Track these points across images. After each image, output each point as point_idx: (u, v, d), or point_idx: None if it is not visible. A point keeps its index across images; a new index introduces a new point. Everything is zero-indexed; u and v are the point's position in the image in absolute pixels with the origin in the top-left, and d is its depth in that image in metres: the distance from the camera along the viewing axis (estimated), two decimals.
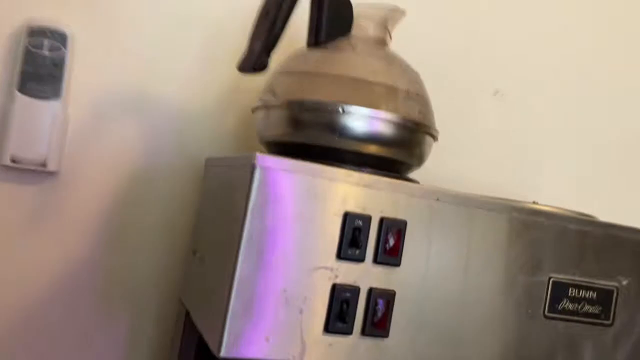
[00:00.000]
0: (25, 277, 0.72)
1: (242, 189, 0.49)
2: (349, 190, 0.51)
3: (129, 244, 0.76)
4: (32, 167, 0.69)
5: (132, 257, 0.76)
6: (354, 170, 0.52)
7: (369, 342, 0.51)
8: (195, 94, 0.78)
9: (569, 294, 0.57)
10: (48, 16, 0.71)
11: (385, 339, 0.52)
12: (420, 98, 0.60)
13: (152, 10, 0.76)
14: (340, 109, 0.54)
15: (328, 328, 0.50)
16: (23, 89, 0.68)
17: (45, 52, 0.69)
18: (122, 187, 0.75)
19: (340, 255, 0.50)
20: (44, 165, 0.69)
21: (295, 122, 0.57)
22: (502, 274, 0.55)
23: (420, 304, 0.53)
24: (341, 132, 0.56)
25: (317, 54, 0.58)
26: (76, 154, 0.73)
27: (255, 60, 0.52)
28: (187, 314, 0.67)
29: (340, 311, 0.50)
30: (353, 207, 0.51)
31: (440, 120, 0.64)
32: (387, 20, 0.63)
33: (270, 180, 0.48)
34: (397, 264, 0.52)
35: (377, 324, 0.51)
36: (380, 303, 0.52)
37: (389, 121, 0.57)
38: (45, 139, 0.69)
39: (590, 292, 0.58)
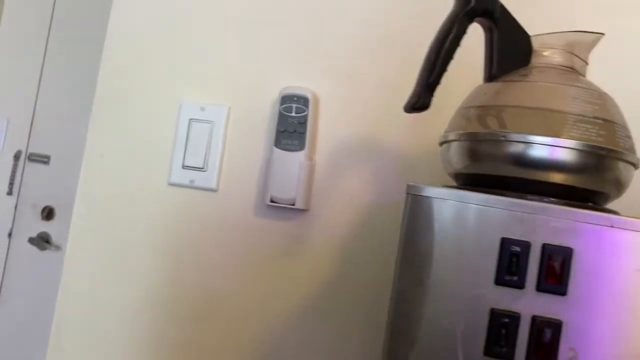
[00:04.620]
0: (281, 297, 0.89)
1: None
2: (504, 216, 0.52)
3: (364, 273, 0.87)
4: (286, 206, 0.86)
5: (369, 283, 0.86)
6: (535, 200, 0.53)
7: None
8: (418, 137, 0.86)
9: None
10: (302, 84, 0.89)
11: None
12: (608, 123, 0.56)
13: (380, 70, 0.88)
14: (502, 137, 0.56)
15: (488, 351, 0.51)
16: (278, 144, 0.87)
17: (293, 114, 0.86)
18: (358, 222, 0.87)
19: (498, 281, 0.52)
20: (293, 203, 0.86)
21: (469, 154, 0.60)
22: None
23: (589, 336, 0.49)
24: (510, 161, 0.57)
25: (490, 87, 0.61)
26: (322, 194, 0.89)
27: (415, 100, 0.58)
28: None
29: (498, 337, 0.51)
30: (510, 234, 0.52)
31: None
32: (574, 46, 0.61)
33: (422, 207, 0.54)
34: (562, 292, 0.50)
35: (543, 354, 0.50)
36: (546, 332, 0.50)
37: (566, 148, 0.55)
38: (294, 183, 0.85)
39: None
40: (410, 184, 0.55)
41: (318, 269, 0.88)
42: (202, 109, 0.92)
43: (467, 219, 0.53)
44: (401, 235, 0.55)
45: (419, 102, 0.58)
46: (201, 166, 0.91)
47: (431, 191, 0.54)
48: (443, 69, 0.58)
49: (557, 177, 0.57)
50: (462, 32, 0.59)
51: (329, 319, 0.88)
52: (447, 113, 0.75)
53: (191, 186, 0.92)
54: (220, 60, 0.94)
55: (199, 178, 0.92)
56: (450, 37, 0.58)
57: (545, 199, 0.57)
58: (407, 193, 0.55)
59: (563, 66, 0.61)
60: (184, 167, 0.92)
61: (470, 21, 0.60)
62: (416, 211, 0.55)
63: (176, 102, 0.94)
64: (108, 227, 0.96)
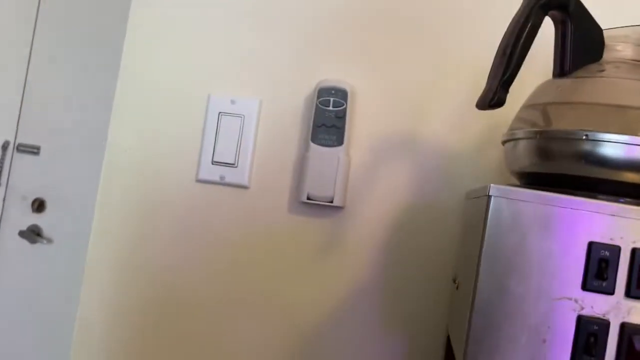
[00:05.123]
0: (318, 296, 0.86)
1: (480, 218, 0.53)
2: (592, 219, 0.50)
3: (403, 272, 0.84)
4: (323, 203, 0.83)
5: (406, 282, 0.84)
6: (607, 199, 0.51)
7: None
8: (458, 133, 0.83)
9: None
10: (336, 77, 0.86)
11: None
12: None
13: (420, 63, 0.85)
14: (584, 136, 0.54)
15: None
16: (315, 139, 0.83)
17: (330, 108, 0.83)
18: (396, 220, 0.84)
19: (586, 287, 0.50)
20: (331, 201, 0.82)
21: (542, 152, 0.58)
22: None
23: None
24: (587, 160, 0.55)
25: (561, 83, 0.59)
26: (358, 191, 0.86)
27: (491, 97, 0.55)
28: (449, 341, 0.71)
29: (586, 345, 0.49)
30: (598, 237, 0.49)
31: None
32: None
33: (505, 209, 0.51)
34: None
35: None
36: (637, 341, 0.49)
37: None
38: (332, 180, 0.82)
39: None
40: (493, 185, 0.52)
41: (355, 267, 0.85)
42: (233, 102, 0.88)
43: (551, 222, 0.51)
44: (482, 239, 0.52)
45: (495, 98, 0.55)
46: (232, 162, 0.88)
47: (514, 193, 0.52)
48: (519, 63, 0.55)
49: (629, 177, 0.55)
50: (537, 25, 0.56)
51: (366, 317, 0.85)
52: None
53: (221, 182, 0.88)
54: (251, 52, 0.90)
55: (229, 174, 0.88)
56: (526, 31, 0.56)
57: (621, 199, 0.55)
58: (488, 195, 0.52)
59: (636, 60, 0.59)
60: (214, 162, 0.88)
61: (545, 14, 0.57)
62: (498, 214, 0.52)
63: (204, 94, 0.90)
64: (132, 224, 0.91)
